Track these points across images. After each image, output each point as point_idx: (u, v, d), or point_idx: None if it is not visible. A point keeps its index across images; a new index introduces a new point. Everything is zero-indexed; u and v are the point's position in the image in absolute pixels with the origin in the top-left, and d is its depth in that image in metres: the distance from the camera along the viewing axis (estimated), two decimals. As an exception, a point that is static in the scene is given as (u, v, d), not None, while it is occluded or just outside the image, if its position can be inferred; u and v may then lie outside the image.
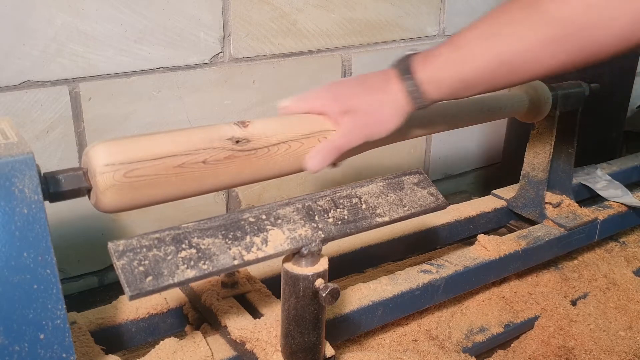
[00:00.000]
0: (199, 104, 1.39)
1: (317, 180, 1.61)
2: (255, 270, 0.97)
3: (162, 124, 1.35)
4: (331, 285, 0.69)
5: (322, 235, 0.71)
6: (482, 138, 2.02)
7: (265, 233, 0.69)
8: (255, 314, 0.85)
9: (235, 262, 0.65)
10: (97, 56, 1.24)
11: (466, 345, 1.05)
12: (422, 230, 1.19)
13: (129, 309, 0.89)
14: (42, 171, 0.60)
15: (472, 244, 1.12)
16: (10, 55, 1.15)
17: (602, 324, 1.13)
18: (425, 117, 0.93)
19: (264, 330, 0.79)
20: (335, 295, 0.69)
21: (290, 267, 0.70)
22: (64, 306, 0.59)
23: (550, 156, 1.18)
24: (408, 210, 0.79)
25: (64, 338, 0.60)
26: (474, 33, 0.72)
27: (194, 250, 0.64)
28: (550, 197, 1.23)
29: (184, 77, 1.35)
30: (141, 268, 0.60)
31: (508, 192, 1.32)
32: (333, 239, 0.72)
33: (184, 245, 0.64)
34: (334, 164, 0.79)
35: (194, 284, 0.91)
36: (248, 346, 0.79)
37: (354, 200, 0.77)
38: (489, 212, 1.28)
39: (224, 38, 1.38)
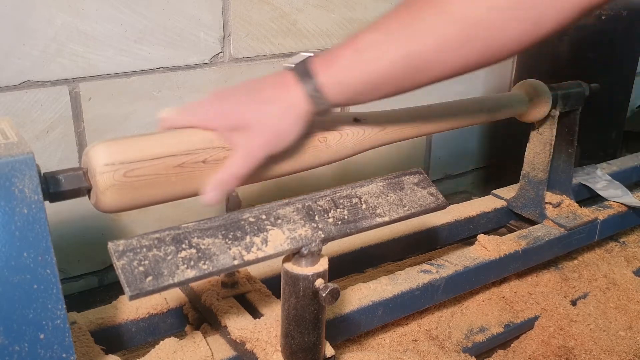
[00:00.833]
0: (199, 104, 1.39)
1: (317, 181, 1.61)
2: (255, 270, 0.97)
3: (162, 124, 1.35)
4: (331, 285, 0.69)
5: (322, 235, 0.71)
6: (482, 138, 2.02)
7: (265, 233, 0.69)
8: (255, 314, 0.85)
9: (235, 262, 0.65)
10: (97, 56, 1.24)
11: (466, 345, 1.05)
12: (422, 230, 1.19)
13: (129, 309, 0.89)
14: (42, 171, 0.60)
15: (472, 244, 1.12)
16: (10, 55, 1.15)
17: (602, 324, 1.13)
18: (426, 117, 0.93)
19: (264, 330, 0.79)
20: (335, 295, 0.69)
21: (290, 267, 0.70)
22: (64, 306, 0.59)
23: (550, 156, 1.18)
24: (408, 210, 0.79)
25: (64, 338, 0.60)
26: (377, 33, 0.68)
27: (194, 250, 0.64)
28: (550, 197, 1.23)
29: (184, 77, 1.35)
30: (141, 268, 0.60)
31: (508, 192, 1.32)
32: (333, 239, 0.72)
33: (184, 245, 0.64)
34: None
35: (194, 284, 0.91)
36: (248, 346, 0.79)
37: (354, 200, 0.77)
38: (489, 212, 1.28)
39: (224, 38, 1.38)
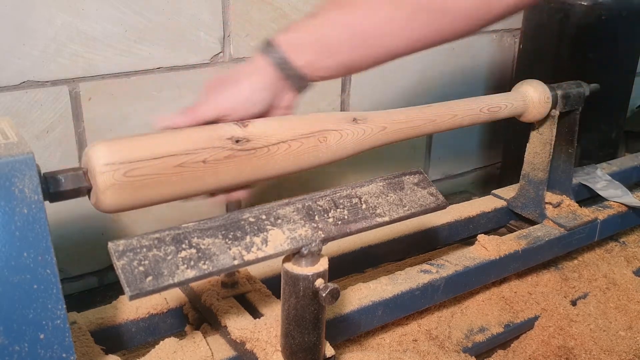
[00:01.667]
0: (199, 104, 1.39)
1: (317, 181, 1.61)
2: (255, 270, 0.97)
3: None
4: (331, 285, 0.69)
5: (322, 235, 0.71)
6: (482, 138, 2.02)
7: (265, 233, 0.69)
8: (255, 314, 0.85)
9: (235, 262, 0.65)
10: (97, 56, 1.24)
11: (466, 345, 1.05)
12: (422, 230, 1.19)
13: (129, 309, 0.89)
14: (42, 171, 0.60)
15: (472, 244, 1.12)
16: (10, 55, 1.15)
17: (602, 324, 1.13)
18: (426, 117, 0.93)
19: (264, 330, 0.79)
20: (335, 295, 0.69)
21: (290, 267, 0.70)
22: (64, 306, 0.59)
23: (550, 156, 1.18)
24: (408, 210, 0.79)
25: (64, 338, 0.60)
26: (330, 2, 0.76)
27: (194, 250, 0.64)
28: (550, 197, 1.23)
29: (184, 77, 1.35)
30: (141, 268, 0.60)
31: (508, 192, 1.32)
32: (333, 239, 0.72)
33: (184, 245, 0.64)
34: None
35: (194, 284, 0.91)
36: (248, 346, 0.79)
37: (354, 200, 0.77)
38: (489, 212, 1.28)
39: (224, 38, 1.38)
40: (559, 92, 1.13)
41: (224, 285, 0.90)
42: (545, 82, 1.12)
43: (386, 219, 0.77)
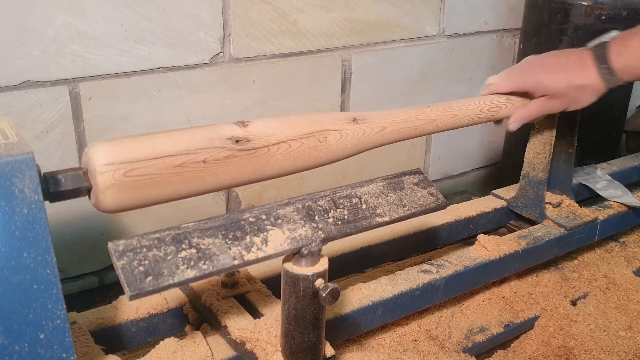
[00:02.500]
0: (199, 104, 1.39)
1: (317, 181, 1.61)
2: (255, 270, 0.97)
3: (162, 124, 1.35)
4: (331, 285, 0.69)
5: (322, 235, 0.71)
6: (482, 138, 2.02)
7: (265, 233, 0.69)
8: (255, 314, 0.85)
9: (235, 262, 0.65)
10: (97, 56, 1.24)
11: (466, 345, 1.05)
12: (422, 230, 1.19)
13: (129, 309, 0.89)
14: (42, 171, 0.60)
15: (472, 244, 1.12)
16: (10, 55, 1.15)
17: (602, 324, 1.13)
18: (426, 117, 0.93)
19: (264, 330, 0.79)
20: (335, 295, 0.69)
21: (290, 267, 0.70)
22: (64, 306, 0.59)
23: (550, 156, 1.18)
24: (408, 210, 0.79)
25: (64, 338, 0.60)
26: None
27: (194, 250, 0.64)
28: (550, 197, 1.23)
29: (184, 77, 1.35)
30: (141, 268, 0.60)
31: (508, 192, 1.32)
32: (333, 239, 0.72)
33: (184, 245, 0.64)
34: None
35: (194, 284, 0.91)
36: (248, 346, 0.79)
37: (354, 200, 0.77)
38: (489, 212, 1.28)
39: (224, 38, 1.38)
40: (559, 92, 1.13)
41: (224, 285, 0.90)
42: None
43: (386, 219, 0.77)
